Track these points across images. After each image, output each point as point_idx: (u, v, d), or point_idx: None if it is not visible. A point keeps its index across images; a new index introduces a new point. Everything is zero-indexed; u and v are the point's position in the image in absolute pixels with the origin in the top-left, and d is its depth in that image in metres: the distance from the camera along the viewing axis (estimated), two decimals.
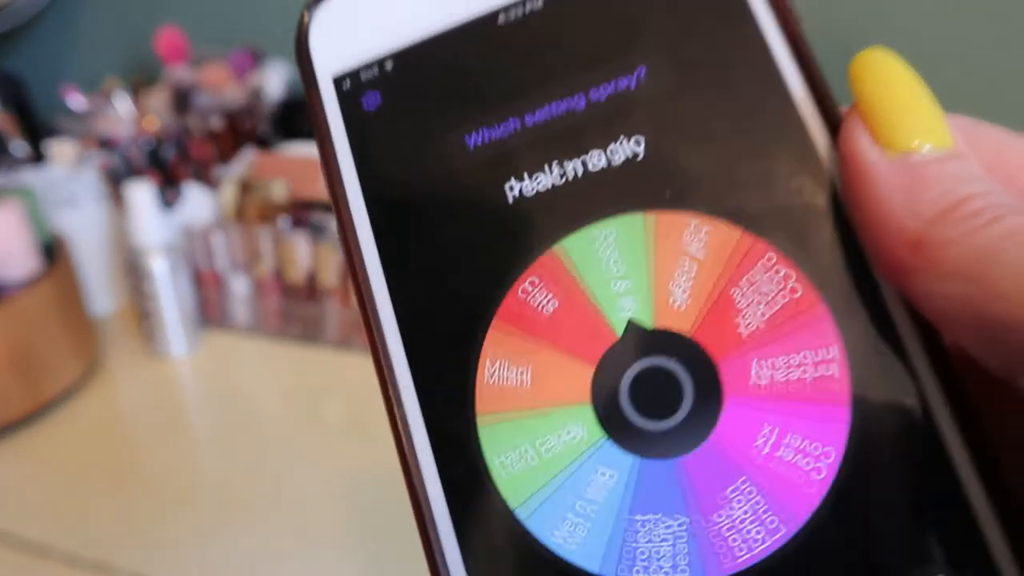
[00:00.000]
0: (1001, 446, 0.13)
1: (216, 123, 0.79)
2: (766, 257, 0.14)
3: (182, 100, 0.80)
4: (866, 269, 0.13)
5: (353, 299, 0.18)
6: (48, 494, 0.59)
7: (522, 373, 0.15)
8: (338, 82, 0.16)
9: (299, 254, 0.70)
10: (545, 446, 0.14)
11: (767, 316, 0.14)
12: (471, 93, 0.16)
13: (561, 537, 0.14)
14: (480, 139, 0.15)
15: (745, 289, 0.14)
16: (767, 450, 0.13)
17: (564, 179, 0.15)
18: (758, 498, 0.13)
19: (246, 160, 0.76)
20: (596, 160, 0.15)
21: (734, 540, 0.13)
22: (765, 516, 0.13)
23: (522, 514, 0.14)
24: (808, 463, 0.13)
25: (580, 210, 0.15)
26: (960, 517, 0.12)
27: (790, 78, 0.14)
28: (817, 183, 0.14)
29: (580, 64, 0.15)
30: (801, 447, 0.13)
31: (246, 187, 0.75)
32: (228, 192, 0.75)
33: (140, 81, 0.86)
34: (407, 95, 0.16)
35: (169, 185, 0.75)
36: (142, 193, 0.70)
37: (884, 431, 0.13)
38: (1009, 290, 0.11)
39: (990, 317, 0.11)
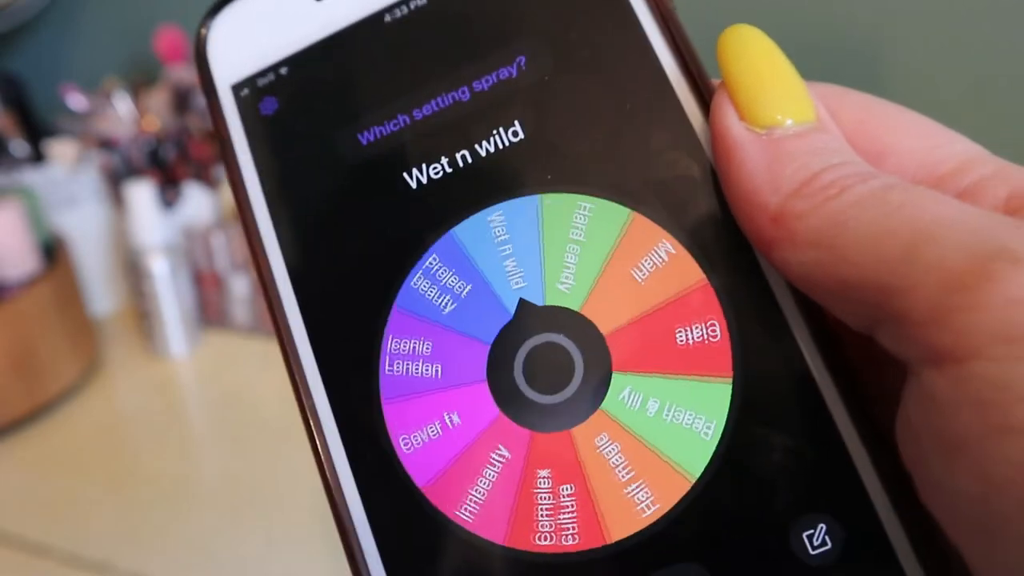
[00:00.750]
0: (875, 397, 0.14)
1: None
2: (650, 233, 0.15)
3: (182, 100, 0.80)
4: (738, 237, 0.14)
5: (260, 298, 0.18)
6: (48, 494, 0.59)
7: (423, 359, 0.15)
8: (236, 89, 0.17)
9: None
10: (445, 423, 0.15)
11: (652, 289, 0.14)
12: (361, 92, 0.16)
13: (464, 510, 0.15)
14: (372, 136, 0.16)
15: (630, 265, 0.15)
16: (654, 417, 0.14)
17: (454, 168, 0.16)
18: (646, 464, 0.14)
19: None
20: (483, 148, 0.16)
21: (625, 503, 0.14)
22: (652, 481, 0.14)
23: (427, 489, 0.15)
24: (694, 428, 0.14)
25: (471, 196, 0.15)
26: (839, 465, 0.13)
27: (664, 59, 0.15)
28: (694, 158, 0.15)
29: (463, 57, 0.16)
30: (687, 413, 0.14)
31: None
32: (228, 192, 0.75)
33: (140, 81, 0.86)
34: (301, 98, 0.16)
35: (169, 185, 0.75)
36: (142, 193, 0.70)
37: (767, 391, 0.14)
38: (853, 255, 0.12)
39: (841, 280, 0.12)
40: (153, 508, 0.57)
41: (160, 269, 0.70)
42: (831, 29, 0.65)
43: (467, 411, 0.15)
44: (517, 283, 0.15)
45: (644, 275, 0.14)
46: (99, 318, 0.79)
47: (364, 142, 0.16)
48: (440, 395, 0.15)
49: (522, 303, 0.15)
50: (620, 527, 0.14)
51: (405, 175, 0.16)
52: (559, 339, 0.15)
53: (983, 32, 0.61)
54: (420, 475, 0.15)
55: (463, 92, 0.16)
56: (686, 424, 0.14)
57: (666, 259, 0.14)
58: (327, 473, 0.15)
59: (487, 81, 0.16)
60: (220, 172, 0.77)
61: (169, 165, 0.77)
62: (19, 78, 0.89)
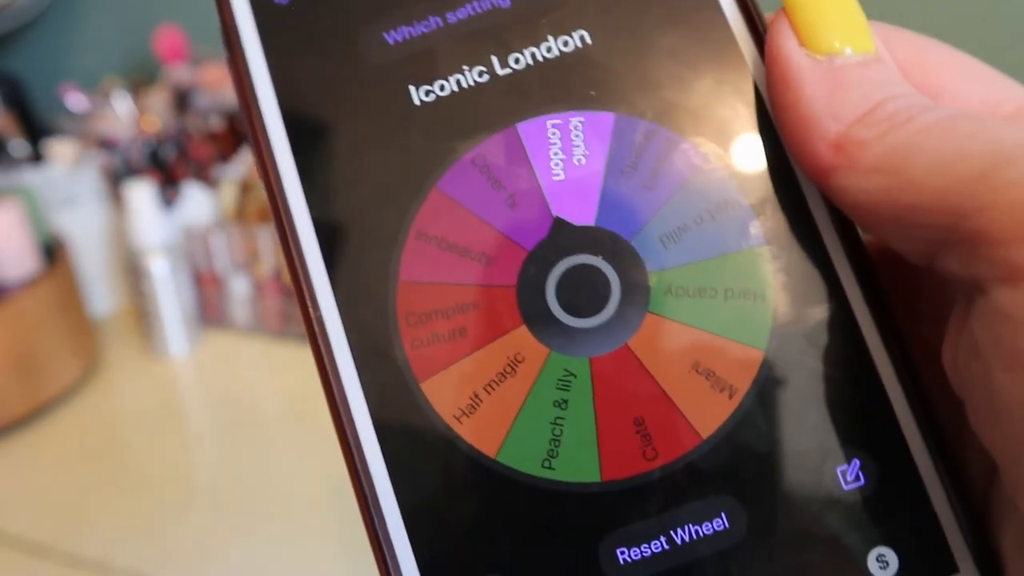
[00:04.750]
0: (914, 335, 0.14)
1: (216, 123, 0.79)
2: (702, 159, 0.14)
3: (182, 100, 0.80)
4: (789, 171, 0.14)
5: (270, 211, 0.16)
6: (48, 494, 0.59)
7: (453, 246, 0.14)
8: None
9: None
10: (460, 320, 0.14)
11: (700, 222, 0.14)
12: None
13: (459, 415, 0.14)
14: (400, 36, 0.15)
15: (684, 195, 0.14)
16: (683, 360, 0.14)
17: (488, 76, 0.15)
18: (668, 406, 0.14)
19: (246, 160, 0.76)
20: (521, 57, 0.15)
21: (644, 441, 0.14)
22: (675, 423, 0.14)
23: (428, 390, 0.14)
24: (724, 376, 0.14)
25: (505, 107, 0.15)
26: (876, 404, 0.13)
27: None
28: (745, 83, 0.14)
29: None
30: (719, 360, 0.14)
31: (246, 187, 0.75)
32: (228, 192, 0.75)
33: (140, 81, 0.86)
34: None
35: (169, 185, 0.75)
36: (142, 193, 0.70)
37: (804, 335, 0.14)
38: (922, 178, 0.12)
39: (907, 205, 0.12)
40: (153, 508, 0.57)
41: (160, 269, 0.70)
42: None
43: (487, 313, 0.14)
44: (567, 197, 0.14)
45: (702, 224, 0.14)
46: (99, 318, 0.79)
47: (391, 42, 0.15)
48: (463, 289, 0.14)
49: (558, 222, 0.14)
50: (673, 448, 0.14)
51: (435, 80, 0.15)
52: (596, 261, 0.14)
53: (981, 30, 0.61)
54: (422, 369, 0.14)
55: None
56: (739, 296, 0.14)
57: (721, 192, 0.14)
58: (322, 348, 0.14)
59: None
60: (220, 172, 0.77)
61: (169, 165, 0.77)
62: (19, 78, 0.89)
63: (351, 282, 0.14)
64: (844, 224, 0.14)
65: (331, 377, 0.14)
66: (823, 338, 0.14)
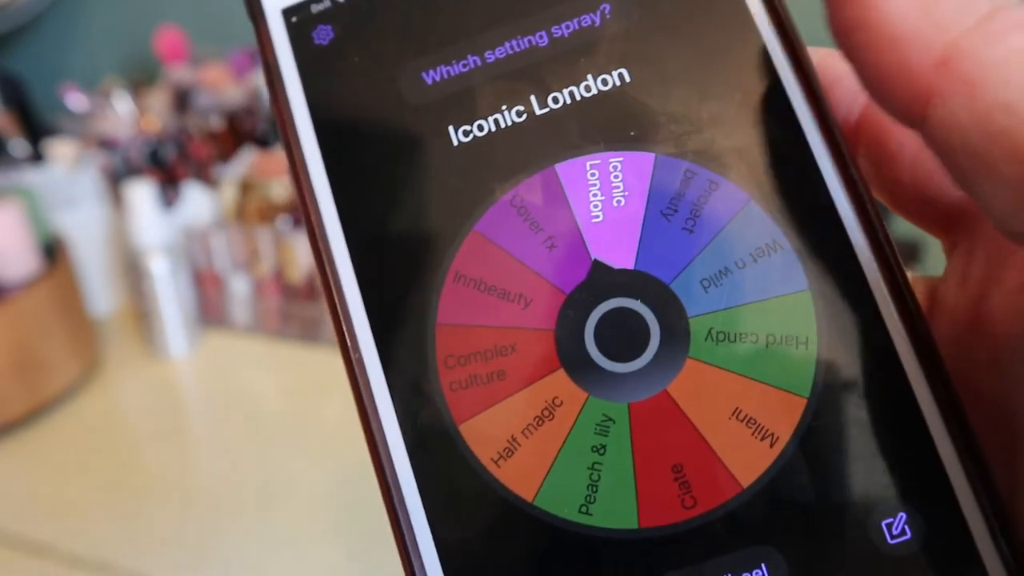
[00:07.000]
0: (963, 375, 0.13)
1: (216, 123, 0.79)
2: (746, 205, 0.14)
3: (182, 100, 0.80)
4: (834, 213, 0.14)
5: (308, 245, 0.17)
6: (48, 494, 0.59)
7: (492, 289, 0.14)
8: (287, 14, 0.16)
9: (299, 254, 0.70)
10: (500, 367, 0.14)
11: (742, 266, 0.14)
12: (428, 28, 0.15)
13: (497, 458, 0.14)
14: (438, 75, 0.15)
15: (726, 238, 0.14)
16: (723, 407, 0.14)
17: (526, 116, 0.15)
18: (708, 453, 0.13)
19: (246, 160, 0.76)
20: (560, 96, 0.15)
21: (683, 488, 0.13)
22: (714, 470, 0.13)
23: (467, 432, 0.14)
24: (766, 423, 0.13)
25: (543, 147, 0.15)
26: (923, 454, 0.13)
27: (756, 12, 0.14)
28: (788, 122, 0.14)
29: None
30: (760, 407, 0.13)
31: (246, 187, 0.75)
32: (228, 192, 0.75)
33: (140, 81, 0.86)
34: (361, 29, 0.15)
35: (169, 185, 0.75)
36: (142, 193, 0.70)
37: (848, 382, 0.13)
38: None
39: None
40: (153, 508, 0.57)
41: (160, 269, 0.70)
42: None
43: (525, 356, 0.14)
44: (606, 240, 0.14)
45: (744, 268, 0.14)
46: (99, 318, 0.79)
47: (429, 81, 0.15)
48: (501, 331, 0.14)
49: (597, 265, 0.14)
50: (714, 496, 0.13)
51: (473, 119, 0.15)
52: (635, 305, 0.14)
53: None
54: (460, 412, 0.14)
55: (540, 36, 0.15)
56: (782, 342, 0.14)
57: (766, 239, 0.14)
58: (362, 390, 0.14)
59: (567, 27, 0.15)
60: (220, 172, 0.77)
61: (169, 165, 0.77)
62: (19, 78, 0.89)
63: (391, 324, 0.14)
64: (890, 267, 0.13)
65: (371, 418, 0.14)
66: (868, 385, 0.13)
